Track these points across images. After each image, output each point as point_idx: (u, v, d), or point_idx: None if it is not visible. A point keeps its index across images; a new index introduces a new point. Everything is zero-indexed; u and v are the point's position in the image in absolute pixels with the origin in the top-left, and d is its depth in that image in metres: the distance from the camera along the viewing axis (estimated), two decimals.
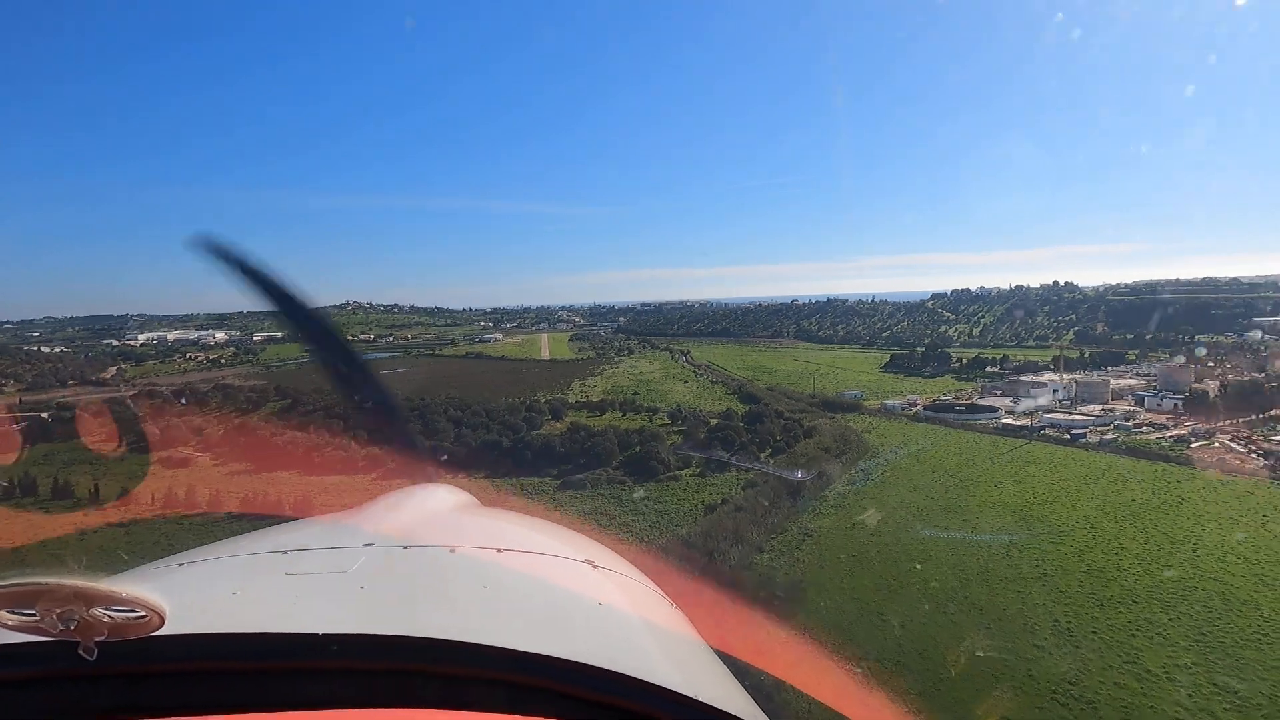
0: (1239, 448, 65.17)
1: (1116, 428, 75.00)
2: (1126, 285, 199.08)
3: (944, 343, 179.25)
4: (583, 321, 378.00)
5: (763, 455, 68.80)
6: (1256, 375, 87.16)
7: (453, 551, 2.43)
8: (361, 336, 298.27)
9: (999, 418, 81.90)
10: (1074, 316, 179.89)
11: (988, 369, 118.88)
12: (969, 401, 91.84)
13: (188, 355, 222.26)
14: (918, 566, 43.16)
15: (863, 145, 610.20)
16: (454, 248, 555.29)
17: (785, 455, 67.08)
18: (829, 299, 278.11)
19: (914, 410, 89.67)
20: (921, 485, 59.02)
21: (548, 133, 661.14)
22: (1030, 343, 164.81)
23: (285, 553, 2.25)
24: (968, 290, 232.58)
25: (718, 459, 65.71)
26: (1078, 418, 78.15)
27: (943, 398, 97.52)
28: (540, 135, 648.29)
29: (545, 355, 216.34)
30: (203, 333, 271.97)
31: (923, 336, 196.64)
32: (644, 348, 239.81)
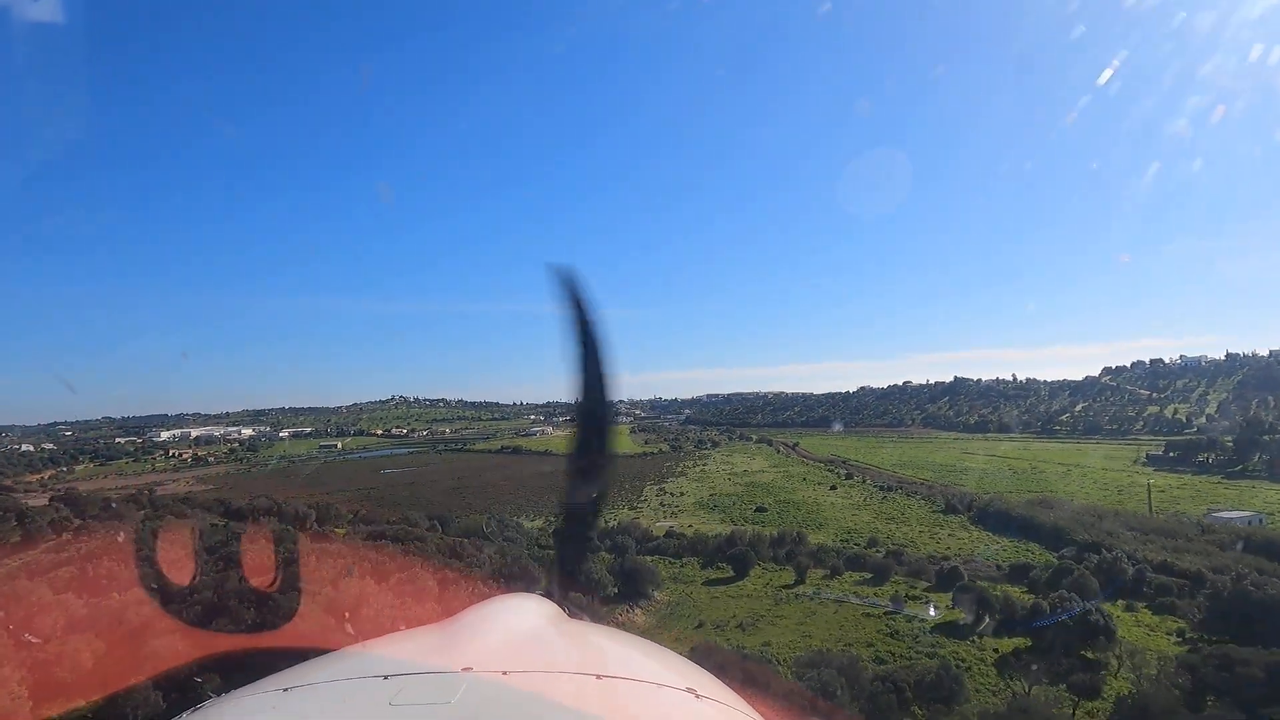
0: None
1: None
2: None
3: (1173, 427, 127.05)
4: (643, 414, 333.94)
5: None
6: None
7: (553, 678, 2.23)
8: (395, 430, 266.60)
9: None
10: None
11: None
12: None
13: (170, 453, 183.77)
14: None
15: (891, 243, 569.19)
16: (513, 346, 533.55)
17: None
18: (955, 379, 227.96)
19: None
20: None
21: (599, 240, 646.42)
22: None
23: (385, 678, 2.10)
24: (1160, 362, 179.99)
25: None
26: None
27: None
28: (591, 244, 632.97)
29: None
30: (230, 429, 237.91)
31: (1125, 418, 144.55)
32: (728, 438, 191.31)
